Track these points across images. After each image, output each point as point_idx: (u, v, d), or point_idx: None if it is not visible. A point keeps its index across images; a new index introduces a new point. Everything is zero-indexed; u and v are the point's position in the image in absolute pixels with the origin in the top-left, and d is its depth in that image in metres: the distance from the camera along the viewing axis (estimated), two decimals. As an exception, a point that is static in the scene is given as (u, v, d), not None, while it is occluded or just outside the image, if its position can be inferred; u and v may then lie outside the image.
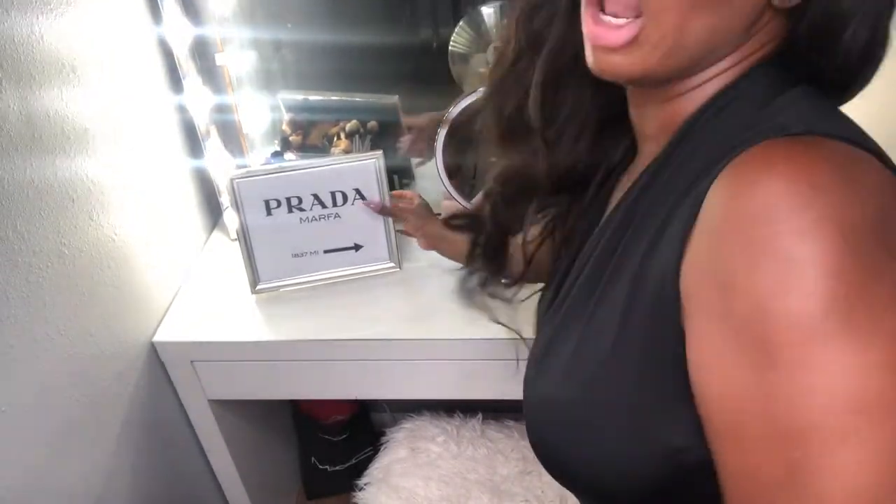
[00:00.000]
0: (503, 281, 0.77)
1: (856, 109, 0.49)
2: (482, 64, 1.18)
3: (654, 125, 0.53)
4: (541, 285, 0.74)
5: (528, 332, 0.72)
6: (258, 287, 1.09)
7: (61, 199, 0.84)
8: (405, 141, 1.24)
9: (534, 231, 0.71)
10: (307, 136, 1.30)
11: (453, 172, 1.09)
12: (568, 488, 0.56)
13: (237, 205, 1.04)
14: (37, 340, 0.81)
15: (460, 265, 0.83)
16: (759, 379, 0.36)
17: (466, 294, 0.78)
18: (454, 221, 0.85)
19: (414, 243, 1.07)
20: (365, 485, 1.23)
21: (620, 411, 0.47)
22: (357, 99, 1.27)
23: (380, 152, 1.04)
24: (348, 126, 1.27)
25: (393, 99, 1.24)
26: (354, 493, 1.24)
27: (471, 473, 1.19)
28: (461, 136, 1.04)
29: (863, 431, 0.33)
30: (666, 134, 0.51)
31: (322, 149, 1.29)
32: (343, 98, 1.28)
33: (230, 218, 1.20)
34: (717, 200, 0.40)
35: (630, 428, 0.47)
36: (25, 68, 0.78)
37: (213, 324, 1.07)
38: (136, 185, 1.01)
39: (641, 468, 0.47)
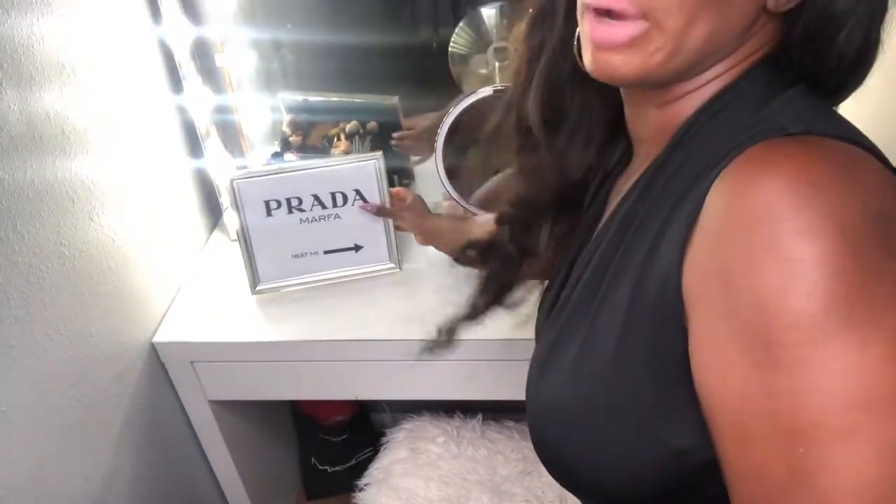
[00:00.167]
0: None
1: (851, 110, 0.49)
2: (482, 64, 1.18)
3: (651, 128, 0.53)
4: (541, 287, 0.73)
5: (529, 332, 0.72)
6: (258, 287, 1.09)
7: (61, 200, 0.84)
8: (399, 137, 1.24)
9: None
10: (307, 137, 1.30)
11: (453, 172, 1.09)
12: (570, 490, 0.55)
13: (237, 205, 1.04)
14: (37, 340, 0.81)
15: (458, 265, 0.82)
16: (761, 378, 0.36)
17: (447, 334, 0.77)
18: (468, 252, 0.81)
19: (414, 243, 1.07)
20: (365, 485, 1.23)
21: (624, 413, 0.47)
22: (357, 100, 1.28)
23: (380, 153, 1.04)
24: (348, 127, 1.27)
25: (393, 100, 1.24)
26: (354, 494, 1.24)
27: (471, 474, 1.19)
28: (461, 137, 1.04)
29: (864, 429, 0.33)
30: (664, 136, 0.51)
31: (322, 150, 1.29)
32: (343, 99, 1.28)
33: (230, 218, 1.20)
34: (718, 200, 0.40)
35: (634, 430, 0.47)
36: (25, 69, 0.78)
37: (214, 324, 1.07)
38: (136, 186, 1.01)
39: (645, 470, 0.47)
